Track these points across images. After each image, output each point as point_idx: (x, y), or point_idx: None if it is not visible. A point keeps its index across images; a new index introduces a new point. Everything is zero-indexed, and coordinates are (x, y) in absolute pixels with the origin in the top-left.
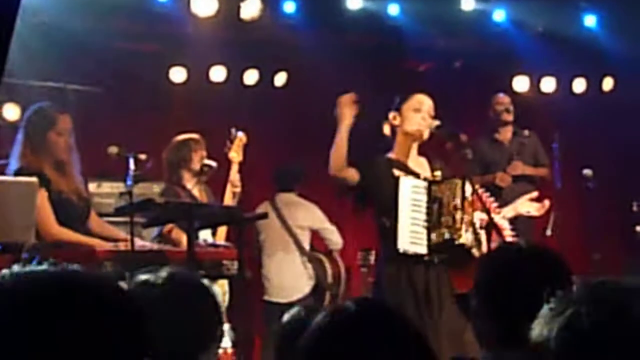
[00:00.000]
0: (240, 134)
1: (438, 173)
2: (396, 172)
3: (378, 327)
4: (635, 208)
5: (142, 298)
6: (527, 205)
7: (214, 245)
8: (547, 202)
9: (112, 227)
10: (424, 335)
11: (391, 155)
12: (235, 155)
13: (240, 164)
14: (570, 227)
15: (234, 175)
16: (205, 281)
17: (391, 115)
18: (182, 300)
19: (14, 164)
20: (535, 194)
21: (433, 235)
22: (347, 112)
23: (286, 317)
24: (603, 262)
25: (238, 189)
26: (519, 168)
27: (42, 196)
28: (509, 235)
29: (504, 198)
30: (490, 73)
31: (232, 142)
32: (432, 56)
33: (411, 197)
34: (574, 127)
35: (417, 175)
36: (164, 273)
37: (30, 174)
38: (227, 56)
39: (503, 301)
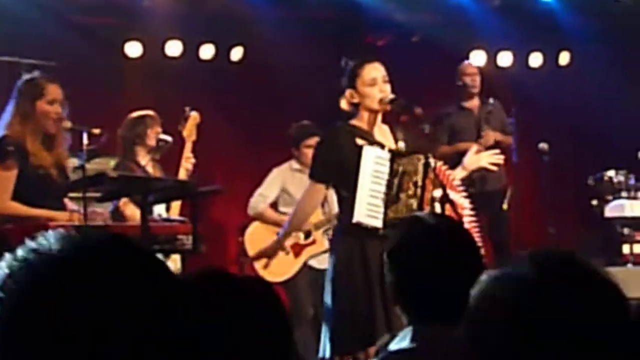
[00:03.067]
0: (194, 113)
1: (402, 144)
2: (360, 140)
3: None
4: (590, 182)
5: None
6: (486, 158)
7: (168, 220)
8: (499, 154)
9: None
10: None
11: (355, 122)
12: (189, 133)
13: (194, 143)
14: (526, 201)
15: (187, 153)
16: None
17: (348, 93)
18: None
19: None
20: (475, 147)
21: (390, 211)
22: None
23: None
24: (558, 235)
25: (191, 167)
26: (491, 137)
27: (6, 171)
28: (467, 214)
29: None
30: (447, 47)
31: (185, 120)
32: (390, 30)
33: (373, 168)
34: (531, 101)
35: (381, 146)
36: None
37: (10, 143)
38: (183, 30)
39: (406, 276)
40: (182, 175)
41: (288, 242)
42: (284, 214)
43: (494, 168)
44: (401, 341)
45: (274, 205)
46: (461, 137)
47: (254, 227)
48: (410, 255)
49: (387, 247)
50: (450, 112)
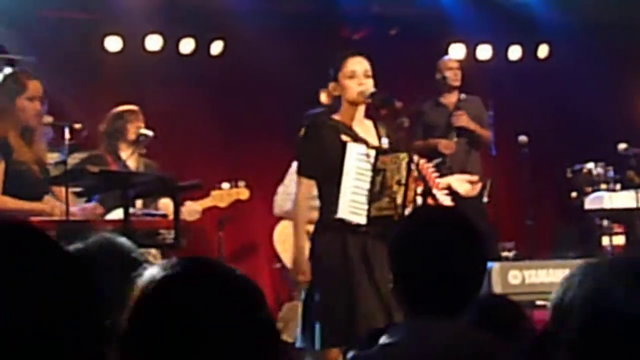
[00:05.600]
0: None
1: (385, 141)
2: (344, 137)
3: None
4: (569, 175)
5: None
6: (458, 184)
7: (149, 214)
8: (478, 187)
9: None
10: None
11: (337, 116)
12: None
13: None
14: (505, 194)
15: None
16: (135, 251)
17: (330, 86)
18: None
19: None
20: (475, 178)
21: (373, 208)
22: None
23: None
24: (537, 228)
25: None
26: (464, 119)
27: None
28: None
29: (447, 164)
30: (426, 40)
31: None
32: (368, 23)
33: (357, 164)
34: (510, 94)
35: (365, 143)
36: (91, 242)
37: None
38: (163, 24)
39: (408, 267)
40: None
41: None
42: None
43: (464, 193)
44: (395, 334)
45: None
46: (434, 133)
47: (282, 227)
48: (410, 246)
49: (390, 239)
50: (425, 107)
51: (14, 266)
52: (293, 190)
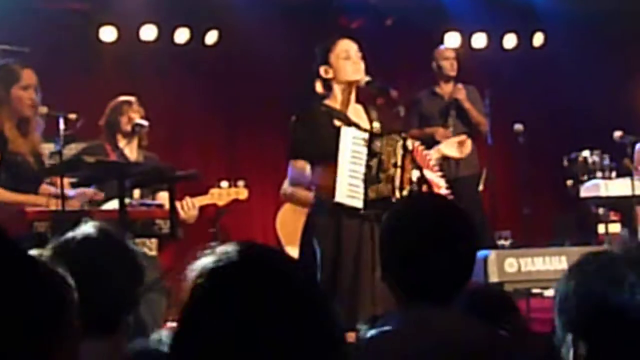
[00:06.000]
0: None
1: (377, 125)
2: (337, 122)
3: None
4: (565, 163)
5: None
6: (449, 148)
7: (145, 204)
8: (469, 143)
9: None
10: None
11: (329, 102)
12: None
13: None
14: (501, 183)
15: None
16: (129, 243)
17: (322, 69)
18: (94, 262)
19: None
20: (462, 137)
21: (370, 191)
22: None
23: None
24: (533, 217)
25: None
26: (462, 93)
27: None
28: (444, 193)
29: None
30: (422, 29)
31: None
32: (364, 13)
33: (352, 148)
34: (505, 82)
35: (357, 127)
36: (80, 234)
37: None
38: (157, 14)
39: (397, 255)
40: None
41: None
42: None
43: (458, 155)
44: (388, 321)
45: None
46: (430, 122)
47: (283, 211)
48: (403, 231)
49: (381, 224)
50: (421, 97)
51: None
52: None
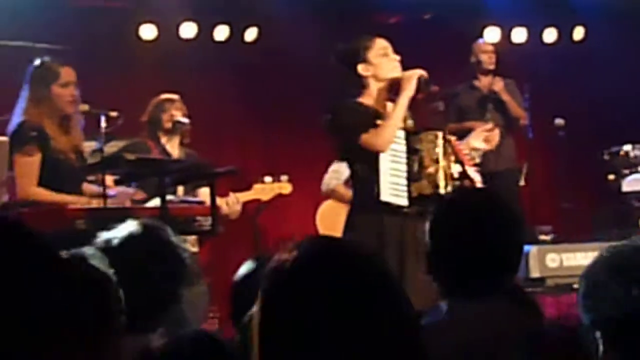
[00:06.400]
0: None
1: (410, 122)
2: (378, 122)
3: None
4: (605, 157)
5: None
6: (477, 140)
7: (186, 201)
8: (496, 134)
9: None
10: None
11: (363, 99)
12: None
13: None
14: (542, 177)
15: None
16: (172, 239)
17: (360, 67)
18: (137, 260)
19: (17, 117)
20: (489, 125)
21: (413, 188)
22: (410, 83)
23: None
24: (574, 211)
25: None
26: (500, 85)
27: (28, 157)
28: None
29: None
30: (461, 24)
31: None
32: (402, 8)
33: (391, 147)
34: (546, 77)
35: None
36: (124, 232)
37: (32, 129)
38: (197, 12)
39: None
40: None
41: None
42: None
43: (486, 147)
44: (434, 314)
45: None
46: (468, 116)
47: (325, 206)
48: (449, 225)
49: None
50: (460, 91)
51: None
52: (343, 170)
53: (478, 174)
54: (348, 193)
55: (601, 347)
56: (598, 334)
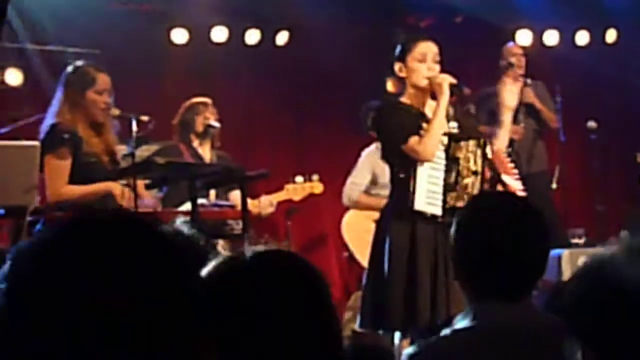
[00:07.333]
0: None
1: (453, 124)
2: (424, 125)
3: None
4: (638, 159)
5: None
6: (509, 95)
7: (217, 205)
8: (520, 129)
9: None
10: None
11: (405, 101)
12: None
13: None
14: (575, 180)
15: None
16: (204, 244)
17: (396, 66)
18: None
19: (49, 120)
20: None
21: (449, 198)
22: (443, 89)
23: None
24: (607, 213)
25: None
26: (530, 95)
27: (60, 159)
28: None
29: (515, 149)
30: (492, 27)
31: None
32: (433, 11)
33: None
34: (578, 79)
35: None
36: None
37: (65, 131)
38: (228, 16)
39: (470, 253)
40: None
41: None
42: (377, 196)
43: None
44: (463, 320)
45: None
46: (497, 118)
47: (350, 216)
48: (475, 229)
49: (455, 222)
50: (491, 93)
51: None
52: (361, 181)
53: (519, 181)
54: (371, 200)
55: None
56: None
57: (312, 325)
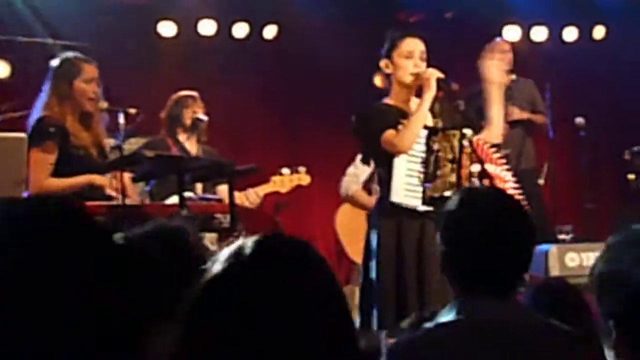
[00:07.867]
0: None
1: (436, 120)
2: (403, 120)
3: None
4: (627, 156)
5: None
6: (492, 70)
7: (205, 199)
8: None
9: None
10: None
11: (389, 101)
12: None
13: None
14: (563, 176)
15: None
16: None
17: (382, 63)
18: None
19: (36, 113)
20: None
21: (427, 190)
22: (430, 84)
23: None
24: (595, 210)
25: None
26: (516, 114)
27: (45, 153)
28: (510, 187)
29: (504, 148)
30: (481, 23)
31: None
32: (423, 7)
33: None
34: (566, 76)
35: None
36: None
37: (52, 125)
38: (216, 9)
39: (455, 248)
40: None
41: None
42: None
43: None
44: (447, 314)
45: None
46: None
47: (342, 210)
48: (460, 224)
49: (439, 217)
50: (479, 90)
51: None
52: (361, 172)
53: (508, 172)
54: (366, 199)
55: (614, 335)
56: (611, 323)
57: (329, 312)
